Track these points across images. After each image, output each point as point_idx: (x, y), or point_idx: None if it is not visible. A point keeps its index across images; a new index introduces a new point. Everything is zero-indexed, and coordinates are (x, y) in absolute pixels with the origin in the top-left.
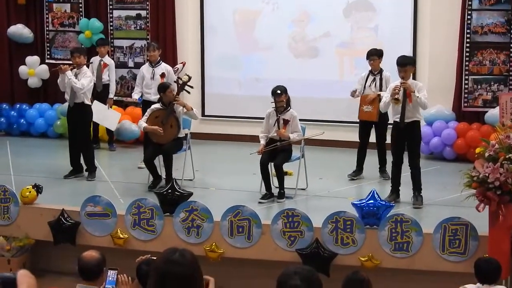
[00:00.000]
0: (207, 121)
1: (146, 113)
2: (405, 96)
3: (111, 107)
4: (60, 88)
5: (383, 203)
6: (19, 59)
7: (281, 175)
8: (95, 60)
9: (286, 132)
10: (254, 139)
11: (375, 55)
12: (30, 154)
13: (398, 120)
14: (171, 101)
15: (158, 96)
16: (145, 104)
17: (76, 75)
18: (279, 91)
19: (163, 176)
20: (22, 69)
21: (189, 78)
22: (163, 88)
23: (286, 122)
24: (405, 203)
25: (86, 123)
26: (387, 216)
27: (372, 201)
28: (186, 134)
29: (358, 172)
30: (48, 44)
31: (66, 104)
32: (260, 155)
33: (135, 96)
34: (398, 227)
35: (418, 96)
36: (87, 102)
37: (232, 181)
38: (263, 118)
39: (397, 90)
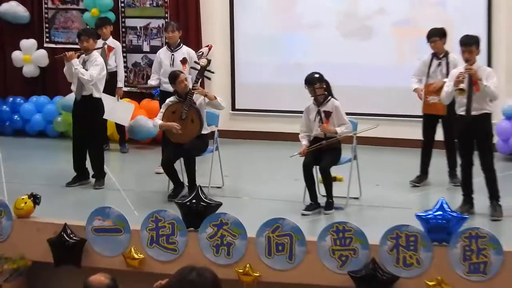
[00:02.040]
0: (238, 116)
1: (161, 109)
2: (471, 84)
3: (121, 98)
4: (67, 78)
5: (454, 214)
6: (12, 43)
7: (328, 181)
8: (98, 44)
9: (331, 125)
10: (296, 137)
11: (436, 35)
12: (26, 157)
13: (464, 113)
14: (187, 91)
15: None
16: (163, 96)
17: (84, 63)
18: (316, 79)
19: (186, 183)
20: (16, 55)
21: (208, 61)
22: (172, 78)
23: (328, 114)
24: (481, 214)
25: (96, 120)
26: (459, 230)
27: (440, 213)
28: (213, 132)
29: (422, 177)
30: (47, 25)
31: (70, 97)
32: (303, 157)
33: (152, 82)
34: (473, 244)
35: (486, 85)
36: (97, 94)
37: (270, 188)
38: (301, 112)
39: (461, 78)
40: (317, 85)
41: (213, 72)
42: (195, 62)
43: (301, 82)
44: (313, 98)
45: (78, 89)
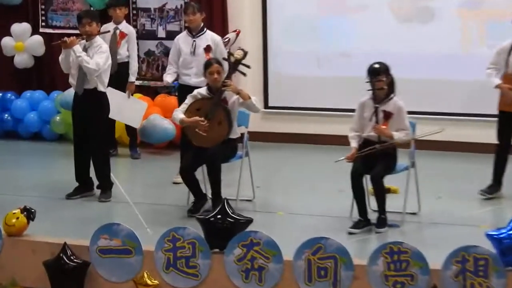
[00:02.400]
0: (271, 116)
1: (186, 100)
2: None
3: (132, 95)
4: (62, 68)
5: None
6: (1, 27)
7: (381, 192)
8: (108, 28)
9: (388, 129)
10: (341, 140)
11: None
12: (18, 164)
13: None
14: (218, 87)
15: (201, 79)
16: (182, 90)
17: (86, 50)
18: (378, 70)
19: (209, 195)
20: (7, 42)
21: (245, 53)
22: (204, 66)
23: (388, 115)
24: None
25: (100, 119)
26: None
27: None
28: (242, 135)
29: (495, 187)
30: (43, 7)
31: (70, 92)
32: (351, 163)
33: (168, 78)
34: None
35: None
36: (102, 88)
37: (309, 201)
38: (352, 110)
39: None
40: (380, 77)
41: (249, 67)
42: (229, 53)
43: (346, 74)
44: (371, 92)
45: (79, 82)
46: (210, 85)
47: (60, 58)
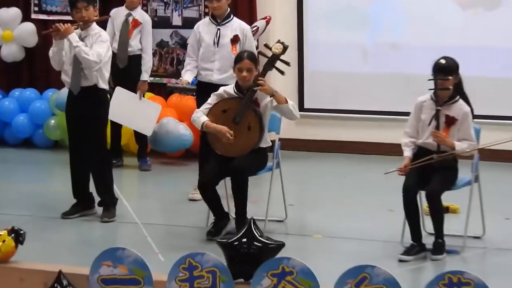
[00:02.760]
0: (307, 120)
1: (209, 100)
2: None
3: (143, 96)
4: (52, 65)
5: None
6: None
7: (438, 212)
8: (118, 14)
9: (450, 137)
10: (391, 149)
11: None
12: (5, 176)
13: None
14: (249, 86)
15: (225, 75)
16: (201, 89)
17: (82, 39)
18: (448, 68)
19: (232, 214)
20: None
21: (285, 48)
22: (235, 60)
23: (451, 121)
24: None
25: (100, 122)
26: None
27: None
28: (273, 142)
29: None
30: None
31: (67, 90)
32: (404, 176)
33: (188, 77)
34: None
35: None
36: (103, 84)
37: (352, 222)
38: (404, 114)
39: None
40: (449, 76)
41: (288, 64)
42: (265, 45)
43: (398, 69)
44: (432, 92)
45: (74, 79)
46: (241, 84)
47: (50, 52)
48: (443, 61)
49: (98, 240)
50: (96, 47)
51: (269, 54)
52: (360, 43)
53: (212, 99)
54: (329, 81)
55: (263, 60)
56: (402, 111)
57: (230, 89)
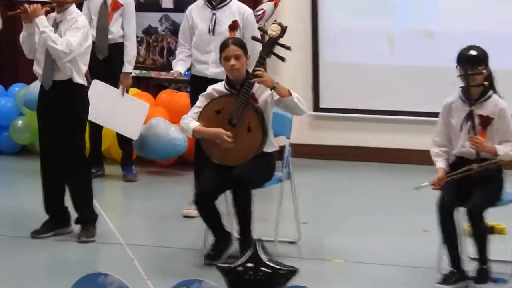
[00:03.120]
0: (323, 122)
1: (197, 102)
2: None
3: (127, 92)
4: (24, 52)
5: None
6: None
7: (481, 232)
8: None
9: (488, 141)
10: (423, 156)
11: None
12: None
13: None
14: (243, 79)
15: (222, 68)
16: (196, 84)
17: (56, 26)
18: (477, 58)
19: (235, 234)
20: None
21: (283, 29)
22: (220, 48)
23: (486, 121)
24: None
25: (77, 124)
26: None
27: None
28: (282, 148)
29: None
30: None
31: (37, 85)
32: (438, 191)
33: (180, 67)
34: None
35: None
36: (79, 79)
37: (379, 244)
38: (436, 114)
39: None
40: (477, 68)
41: (289, 48)
42: (260, 29)
43: (429, 62)
44: (461, 90)
45: (46, 71)
46: (231, 78)
47: (21, 36)
48: (473, 52)
49: (76, 264)
50: (68, 35)
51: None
52: (386, 29)
53: (200, 101)
54: (348, 75)
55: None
56: (437, 111)
57: (221, 86)
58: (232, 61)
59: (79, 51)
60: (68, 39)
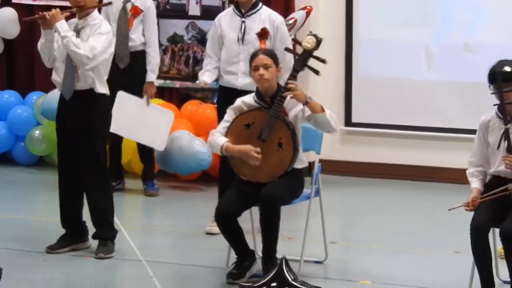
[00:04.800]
0: (354, 137)
1: (225, 116)
2: None
3: (150, 100)
4: (42, 59)
5: None
6: None
7: None
8: (114, 1)
9: None
10: (459, 175)
11: None
12: None
13: None
14: (273, 92)
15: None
16: (224, 96)
17: (78, 32)
18: (508, 74)
19: (259, 252)
20: None
21: (318, 41)
22: (249, 60)
23: None
24: None
25: (98, 135)
26: None
27: None
28: (311, 164)
29: None
30: None
31: (55, 94)
32: (472, 212)
33: (206, 78)
34: None
35: None
36: (101, 88)
37: (409, 266)
38: (475, 132)
39: None
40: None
41: (324, 61)
42: (294, 40)
43: (471, 79)
44: (497, 108)
45: (67, 80)
46: (261, 91)
47: (39, 43)
48: (508, 68)
49: (92, 281)
50: (91, 40)
51: (300, 51)
52: (424, 42)
53: (229, 115)
54: (383, 90)
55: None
56: (475, 128)
57: (250, 99)
58: (261, 71)
59: (103, 57)
60: (92, 44)
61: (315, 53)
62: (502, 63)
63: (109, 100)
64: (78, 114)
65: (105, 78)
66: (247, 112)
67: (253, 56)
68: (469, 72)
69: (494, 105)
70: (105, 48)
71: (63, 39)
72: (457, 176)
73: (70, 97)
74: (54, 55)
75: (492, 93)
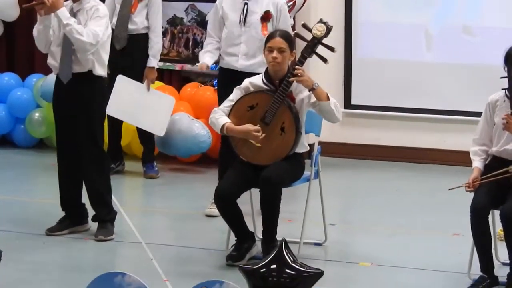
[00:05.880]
0: (354, 120)
1: (231, 95)
2: None
3: (151, 84)
4: (37, 46)
5: None
6: None
7: None
8: None
9: None
10: (460, 158)
11: None
12: None
13: None
14: (282, 75)
15: (252, 61)
16: (224, 78)
17: (74, 15)
18: None
19: (259, 234)
20: None
21: (328, 29)
22: (265, 40)
23: None
24: None
25: (96, 117)
26: None
27: None
28: (311, 147)
29: None
30: None
31: (52, 78)
32: (473, 193)
33: (207, 60)
34: None
35: None
36: (100, 71)
37: (408, 248)
38: (479, 115)
39: None
40: None
41: (333, 49)
42: (304, 26)
43: (470, 61)
44: (506, 90)
45: (64, 64)
46: (269, 71)
47: (35, 30)
48: None
49: (92, 263)
50: (91, 24)
51: (309, 36)
52: (423, 24)
53: (235, 95)
54: (382, 72)
55: (300, 45)
56: (474, 111)
57: (258, 80)
58: (275, 54)
59: (102, 40)
60: (94, 29)
61: (324, 41)
62: None
63: (106, 82)
64: (75, 96)
65: (106, 58)
66: (252, 93)
67: (270, 37)
68: (468, 55)
69: (502, 89)
70: (105, 32)
71: (65, 27)
72: (456, 158)
73: (68, 81)
74: (50, 40)
75: (503, 77)
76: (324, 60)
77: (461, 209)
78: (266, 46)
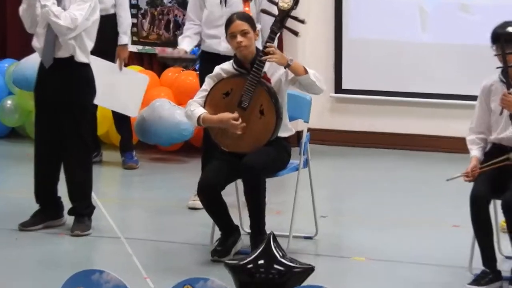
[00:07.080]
0: (345, 104)
1: (203, 85)
2: None
3: (125, 65)
4: (24, 25)
5: None
6: None
7: None
8: None
9: None
10: (456, 144)
11: None
12: None
13: None
14: (252, 58)
15: None
16: (206, 61)
17: None
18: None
19: (245, 228)
20: None
21: (295, 1)
22: (225, 25)
23: None
24: None
25: (80, 106)
26: None
27: None
28: (299, 134)
29: None
30: None
31: (30, 62)
32: (472, 183)
33: (185, 45)
34: None
35: None
36: (83, 58)
37: (405, 241)
38: (474, 98)
39: None
40: None
41: (303, 21)
42: (269, 0)
43: (467, 42)
44: (500, 71)
45: (47, 47)
46: (238, 57)
47: (20, 9)
48: (509, 28)
49: (68, 259)
50: (72, 8)
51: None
52: (418, 2)
53: (207, 84)
54: (375, 53)
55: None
56: (473, 94)
57: (229, 66)
58: (239, 38)
59: (85, 25)
60: (74, 13)
61: (293, 13)
62: (506, 24)
63: (90, 69)
64: (58, 83)
65: (90, 45)
66: (225, 79)
67: (229, 22)
68: (466, 35)
69: (497, 67)
70: (88, 17)
71: (42, 8)
72: (453, 145)
73: (50, 65)
74: (36, 20)
75: (496, 55)
76: (295, 33)
77: (460, 199)
78: (227, 32)
